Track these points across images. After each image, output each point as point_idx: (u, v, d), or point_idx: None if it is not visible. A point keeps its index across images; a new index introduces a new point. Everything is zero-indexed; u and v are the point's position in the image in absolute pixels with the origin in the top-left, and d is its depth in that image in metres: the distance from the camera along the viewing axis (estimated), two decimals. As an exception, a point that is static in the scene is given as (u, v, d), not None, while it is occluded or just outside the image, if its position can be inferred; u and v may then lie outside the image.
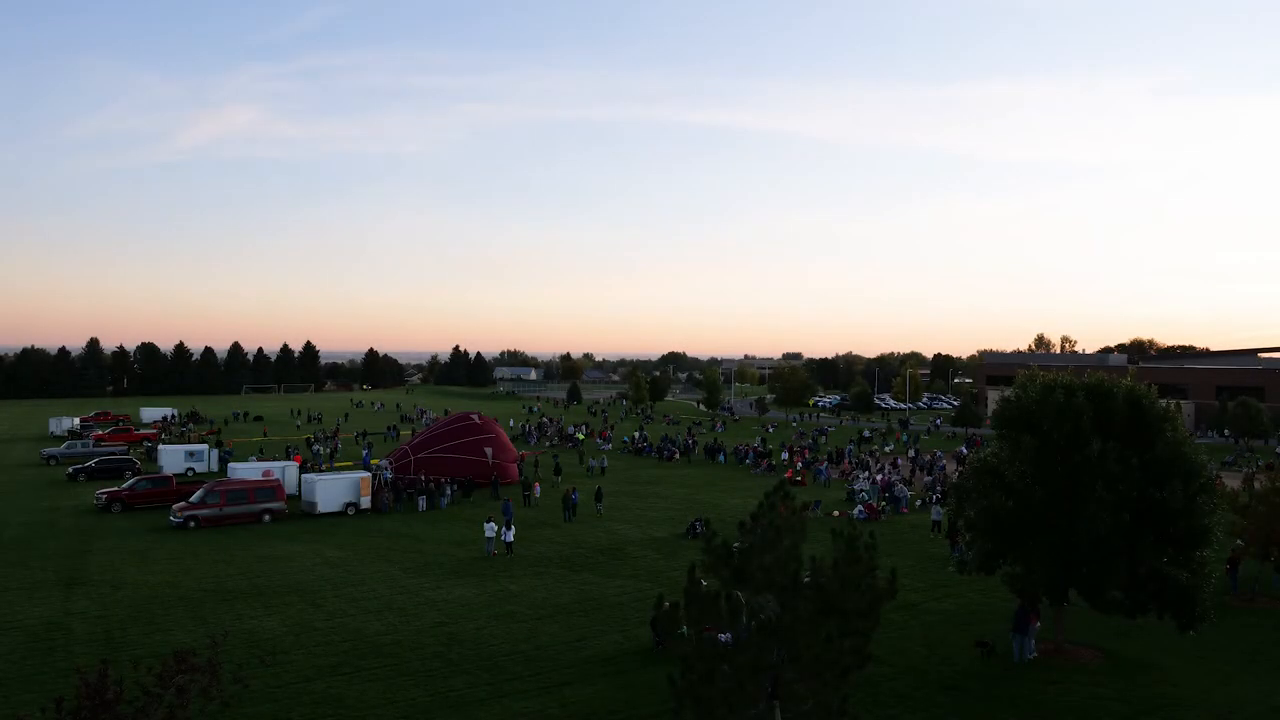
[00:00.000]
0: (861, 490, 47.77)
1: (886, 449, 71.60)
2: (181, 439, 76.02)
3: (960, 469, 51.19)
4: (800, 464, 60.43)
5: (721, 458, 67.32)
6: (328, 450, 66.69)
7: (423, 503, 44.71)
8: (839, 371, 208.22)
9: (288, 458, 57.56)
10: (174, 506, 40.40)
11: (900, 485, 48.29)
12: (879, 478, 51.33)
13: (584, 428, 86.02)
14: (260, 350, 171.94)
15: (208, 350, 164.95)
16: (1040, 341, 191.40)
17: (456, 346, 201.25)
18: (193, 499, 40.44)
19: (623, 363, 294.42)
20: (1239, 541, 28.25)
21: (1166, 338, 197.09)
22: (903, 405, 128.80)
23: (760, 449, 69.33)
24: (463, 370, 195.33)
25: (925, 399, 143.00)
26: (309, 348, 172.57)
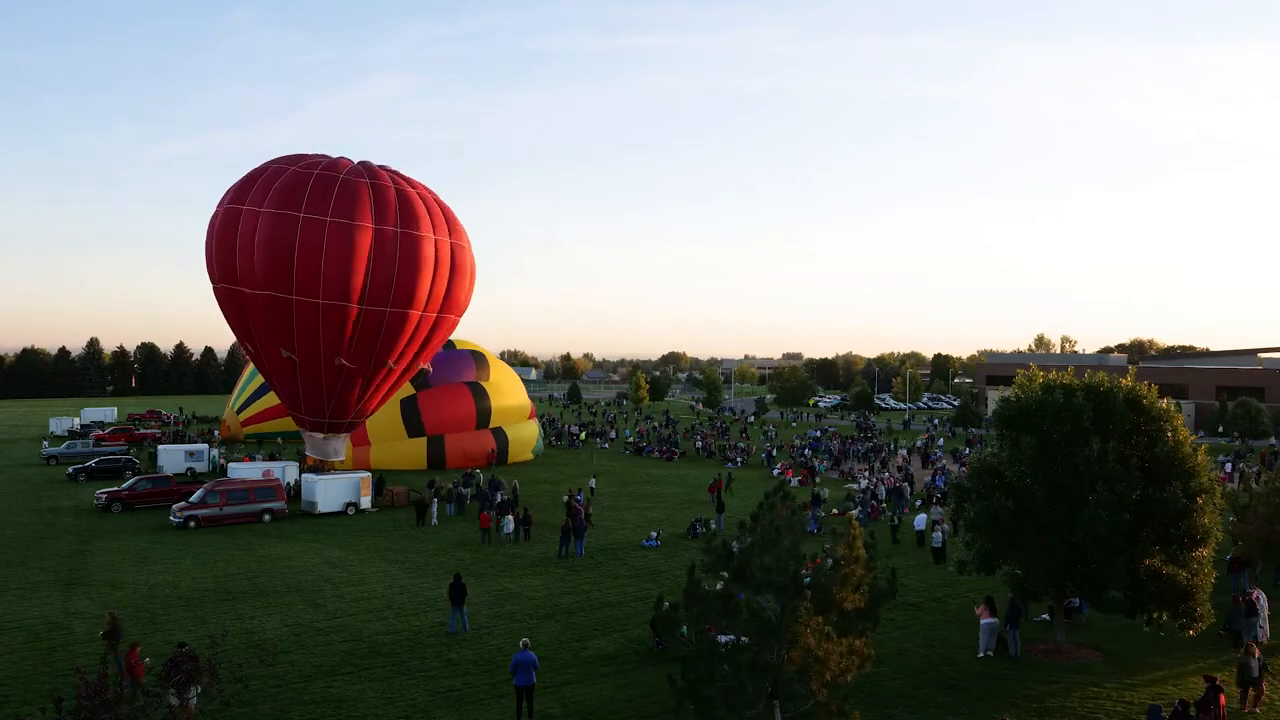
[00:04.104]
0: (864, 490, 47.71)
1: (888, 447, 71.69)
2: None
3: (960, 467, 51.24)
4: (797, 464, 60.51)
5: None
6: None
7: (450, 508, 43.08)
8: (839, 371, 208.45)
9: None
10: (174, 506, 40.43)
11: (906, 485, 48.31)
12: (886, 476, 51.25)
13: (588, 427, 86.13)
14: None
15: (208, 350, 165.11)
16: (1040, 341, 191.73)
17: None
18: (193, 499, 40.46)
19: (623, 363, 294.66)
20: (1238, 543, 28.23)
21: (1166, 338, 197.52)
22: (903, 405, 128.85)
23: (745, 448, 69.61)
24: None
25: (925, 399, 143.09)
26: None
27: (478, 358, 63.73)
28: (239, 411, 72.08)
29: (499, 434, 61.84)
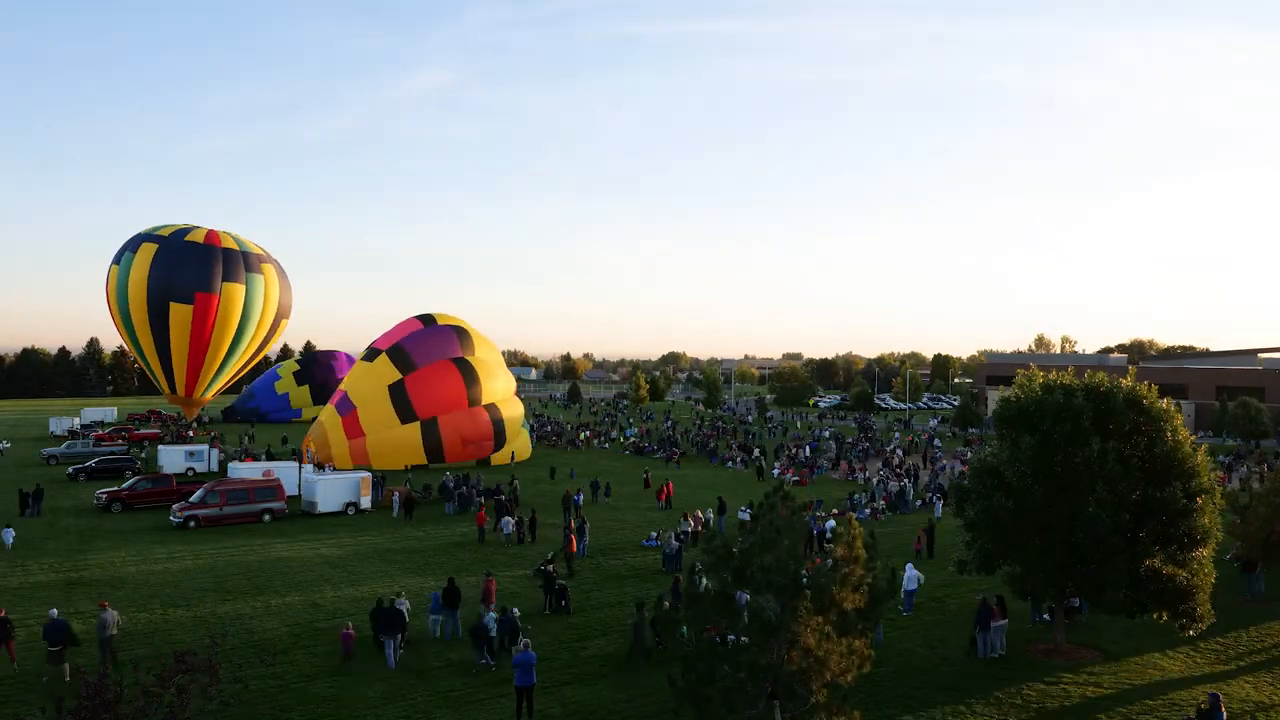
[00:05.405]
0: (865, 493, 47.66)
1: (889, 447, 71.63)
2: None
3: (959, 468, 51.21)
4: (797, 464, 60.46)
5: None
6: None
7: (450, 508, 43.91)
8: (839, 371, 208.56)
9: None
10: (174, 506, 40.43)
11: (908, 487, 48.30)
12: (890, 483, 51.07)
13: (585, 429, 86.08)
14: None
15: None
16: (1040, 341, 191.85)
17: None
18: (193, 499, 40.46)
19: (622, 362, 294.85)
20: (1238, 543, 28.21)
21: (1166, 338, 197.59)
22: (903, 405, 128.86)
23: (746, 446, 69.42)
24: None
25: (925, 399, 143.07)
26: (309, 348, 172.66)
27: (460, 333, 61.23)
28: None
29: (493, 412, 59.74)
